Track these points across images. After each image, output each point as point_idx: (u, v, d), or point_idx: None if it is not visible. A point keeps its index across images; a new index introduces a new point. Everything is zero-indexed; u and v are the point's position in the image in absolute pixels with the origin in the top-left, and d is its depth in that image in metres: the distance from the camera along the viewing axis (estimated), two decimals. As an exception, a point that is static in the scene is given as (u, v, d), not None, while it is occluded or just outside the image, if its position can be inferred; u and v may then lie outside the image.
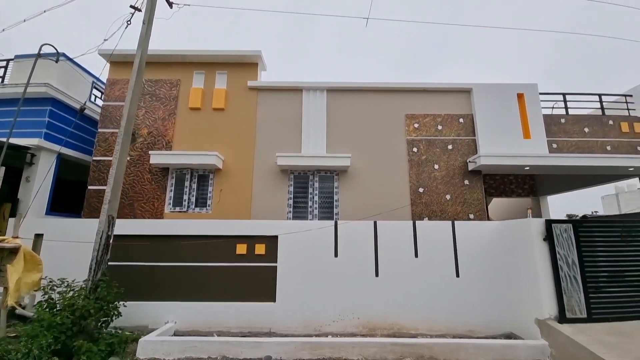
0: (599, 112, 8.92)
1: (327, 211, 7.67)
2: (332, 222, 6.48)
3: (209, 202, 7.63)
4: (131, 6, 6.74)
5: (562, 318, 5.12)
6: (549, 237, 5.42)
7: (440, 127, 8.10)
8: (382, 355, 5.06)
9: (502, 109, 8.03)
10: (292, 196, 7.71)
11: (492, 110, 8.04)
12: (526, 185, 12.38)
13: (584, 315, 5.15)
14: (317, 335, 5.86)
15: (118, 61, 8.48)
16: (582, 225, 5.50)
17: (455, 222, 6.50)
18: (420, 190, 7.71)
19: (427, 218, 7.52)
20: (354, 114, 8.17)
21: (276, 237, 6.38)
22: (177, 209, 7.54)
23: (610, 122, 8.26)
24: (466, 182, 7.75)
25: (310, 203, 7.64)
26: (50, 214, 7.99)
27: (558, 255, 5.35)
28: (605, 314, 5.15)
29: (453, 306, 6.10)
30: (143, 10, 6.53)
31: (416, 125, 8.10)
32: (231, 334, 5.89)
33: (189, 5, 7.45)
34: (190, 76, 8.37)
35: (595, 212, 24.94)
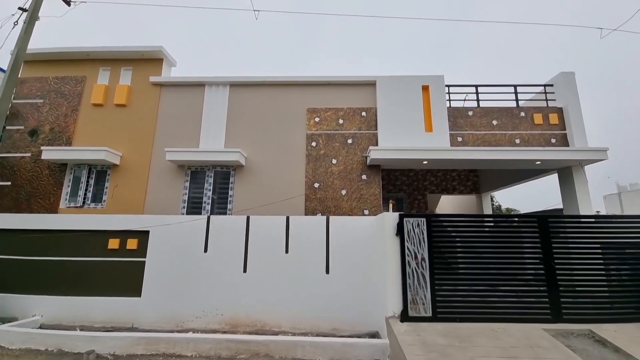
0: (524, 104, 8.57)
1: (222, 207, 7.58)
2: (205, 217, 6.38)
3: (104, 197, 7.65)
4: (20, 8, 6.84)
5: (404, 316, 4.88)
6: (400, 232, 5.19)
7: (341, 121, 7.89)
8: (216, 352, 4.95)
9: (406, 101, 7.77)
10: (187, 192, 7.66)
11: (396, 103, 7.79)
12: (469, 182, 12.03)
13: (429, 314, 4.90)
14: (178, 332, 5.77)
15: (31, 60, 8.64)
16: (436, 221, 5.24)
17: (331, 217, 6.31)
18: (316, 185, 7.53)
19: (320, 214, 7.34)
20: (255, 109, 8.05)
21: (148, 232, 6.34)
22: (72, 204, 7.59)
23: (522, 114, 7.87)
24: (364, 177, 7.52)
25: (204, 199, 7.57)
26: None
27: (407, 251, 5.11)
28: (452, 313, 4.88)
29: (320, 304, 5.92)
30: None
31: (317, 120, 7.92)
32: (94, 329, 5.88)
33: (85, 2, 7.52)
34: (97, 73, 8.43)
35: (598, 212, 24.05)
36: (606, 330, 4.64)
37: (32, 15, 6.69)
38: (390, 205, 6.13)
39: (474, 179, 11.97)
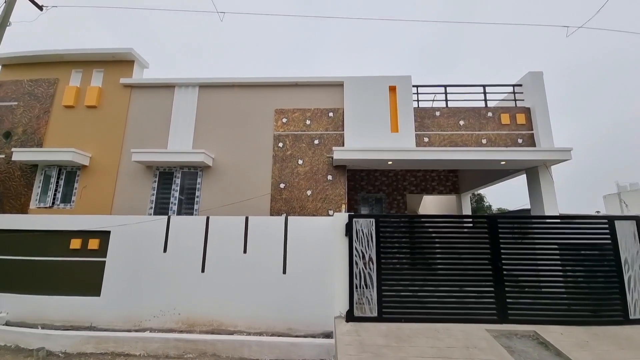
0: (499, 104, 8.56)
1: (189, 207, 7.65)
2: (165, 217, 6.45)
3: (74, 198, 7.76)
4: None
5: (349, 316, 4.90)
6: (349, 233, 5.20)
7: (308, 122, 7.92)
8: (164, 351, 5.01)
9: (373, 102, 7.78)
10: (155, 192, 7.73)
11: (363, 104, 7.81)
12: (449, 182, 12.00)
13: (375, 315, 4.90)
14: (136, 331, 5.85)
15: (8, 64, 8.79)
16: (384, 222, 5.25)
17: (290, 217, 6.35)
18: (282, 185, 7.57)
19: (285, 214, 7.37)
20: (224, 110, 8.11)
21: (109, 232, 6.42)
22: (42, 204, 7.70)
23: (490, 114, 7.85)
24: (329, 177, 7.54)
25: (171, 199, 7.64)
26: None
27: (355, 251, 5.12)
28: (397, 314, 4.88)
29: (277, 304, 5.96)
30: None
31: (284, 120, 7.96)
32: (54, 327, 5.96)
33: (55, 6, 7.62)
34: (69, 75, 8.54)
35: (598, 212, 23.83)
36: (552, 333, 4.61)
37: (2, 21, 6.80)
38: (343, 207, 6.15)
39: (454, 179, 11.93)
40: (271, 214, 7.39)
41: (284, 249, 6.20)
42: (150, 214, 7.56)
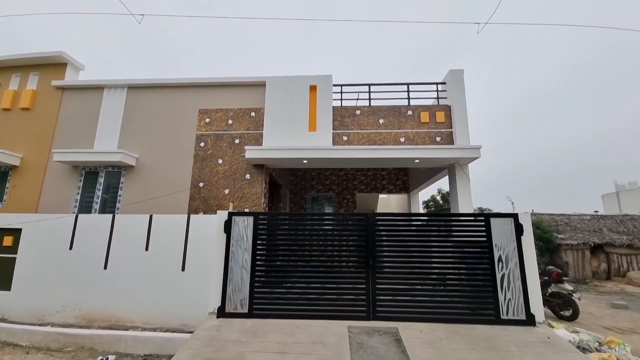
0: (430, 102, 8.52)
1: (111, 206, 7.83)
2: (73, 215, 6.63)
3: (4, 197, 8.03)
4: None
5: (220, 312, 4.98)
6: (227, 230, 5.29)
7: (231, 122, 8.03)
8: (46, 343, 5.18)
9: (293, 101, 7.85)
10: (80, 191, 7.95)
11: (283, 103, 7.88)
12: (399, 181, 11.97)
13: (245, 311, 4.98)
14: (40, 325, 6.05)
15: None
16: (262, 219, 5.31)
17: (193, 215, 6.46)
18: (201, 184, 7.69)
19: (202, 212, 7.49)
20: (151, 110, 8.28)
21: (21, 229, 6.64)
22: (-26, 203, 8.00)
23: (410, 112, 7.83)
24: (247, 176, 7.64)
25: (95, 199, 7.84)
26: None
27: (232, 248, 5.20)
28: (268, 310, 4.95)
29: (174, 300, 6.08)
30: None
31: (207, 120, 8.09)
32: (-36, 320, 6.21)
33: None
34: (9, 79, 8.83)
35: (596, 211, 23.44)
36: (412, 330, 4.60)
37: None
38: (231, 205, 6.23)
39: (404, 178, 11.90)
40: (189, 213, 7.51)
41: (184, 247, 6.32)
42: (74, 213, 7.77)
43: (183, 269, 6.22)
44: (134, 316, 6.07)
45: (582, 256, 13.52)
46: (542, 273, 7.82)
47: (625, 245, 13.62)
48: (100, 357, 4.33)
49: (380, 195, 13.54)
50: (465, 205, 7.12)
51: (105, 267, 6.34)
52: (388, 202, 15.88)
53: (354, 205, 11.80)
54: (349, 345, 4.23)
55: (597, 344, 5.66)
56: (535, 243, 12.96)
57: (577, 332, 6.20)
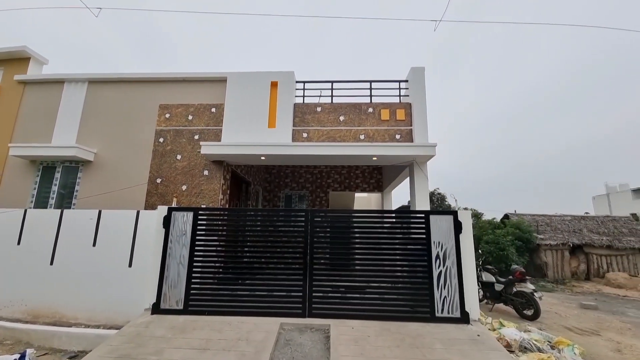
0: (392, 100, 8.46)
1: (68, 201, 7.74)
2: (22, 210, 6.54)
3: (-39, 192, 7.92)
4: None
5: (155, 309, 4.92)
6: (166, 225, 5.23)
7: (191, 117, 7.95)
8: (-16, 338, 5.09)
9: (253, 98, 7.78)
10: (37, 186, 7.85)
11: (243, 99, 7.81)
12: (372, 180, 11.94)
13: (181, 307, 4.92)
14: (-15, 321, 5.96)
15: None
16: (203, 215, 5.25)
17: (142, 211, 6.38)
18: (158, 180, 7.61)
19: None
20: (111, 105, 8.19)
21: (-32, 224, 6.54)
22: None
23: (370, 109, 7.78)
24: (206, 172, 7.56)
25: (51, 194, 7.75)
26: None
27: (170, 244, 5.14)
28: (204, 307, 4.90)
29: (119, 297, 5.99)
30: None
31: (167, 116, 8.01)
32: None
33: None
34: (-24, 74, 8.72)
35: (587, 213, 23.51)
36: (344, 327, 4.55)
37: None
38: (174, 200, 6.16)
39: (378, 176, 11.86)
40: (146, 208, 7.43)
41: (132, 242, 6.24)
42: (31, 208, 7.68)
43: (130, 265, 6.14)
44: (77, 313, 5.98)
45: (562, 256, 13.53)
46: (508, 272, 7.81)
47: (605, 246, 13.60)
48: (16, 353, 4.26)
49: (359, 194, 13.51)
50: (423, 203, 7.09)
51: (51, 263, 6.25)
52: (368, 201, 15.84)
53: (327, 204, 11.75)
54: (274, 342, 4.19)
55: (547, 344, 5.62)
56: (514, 243, 13.02)
57: (529, 332, 6.17)
